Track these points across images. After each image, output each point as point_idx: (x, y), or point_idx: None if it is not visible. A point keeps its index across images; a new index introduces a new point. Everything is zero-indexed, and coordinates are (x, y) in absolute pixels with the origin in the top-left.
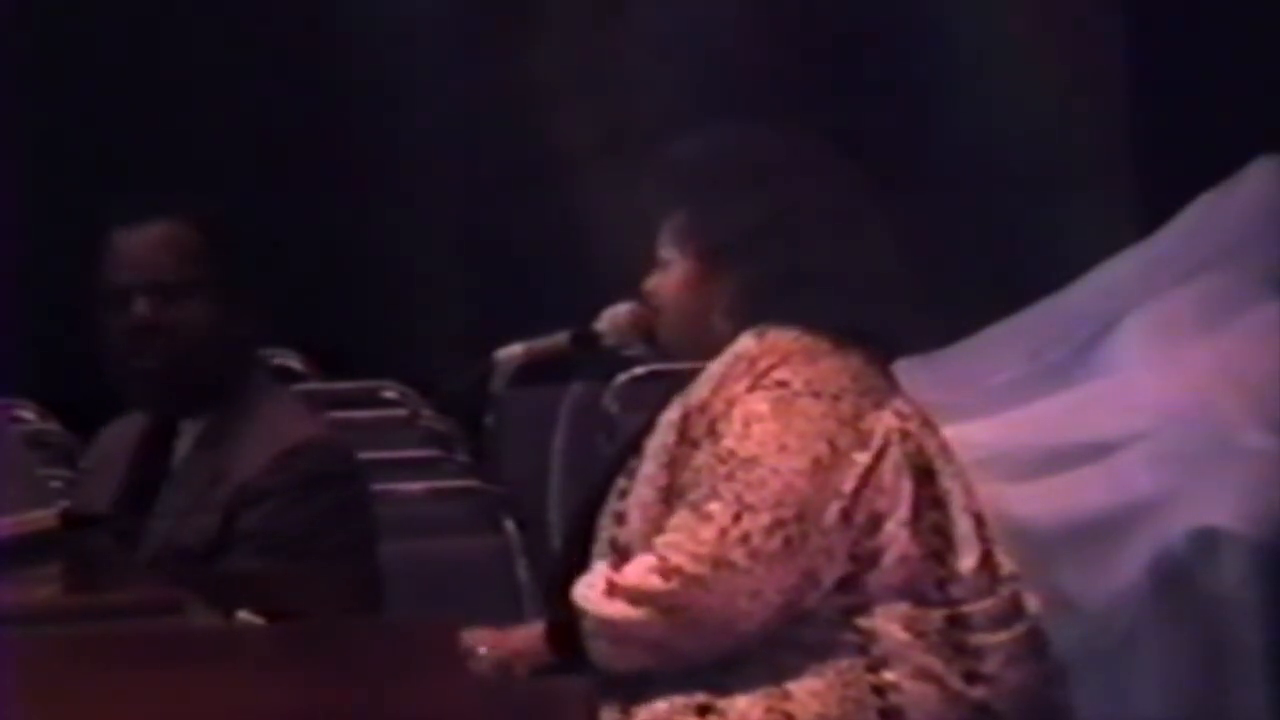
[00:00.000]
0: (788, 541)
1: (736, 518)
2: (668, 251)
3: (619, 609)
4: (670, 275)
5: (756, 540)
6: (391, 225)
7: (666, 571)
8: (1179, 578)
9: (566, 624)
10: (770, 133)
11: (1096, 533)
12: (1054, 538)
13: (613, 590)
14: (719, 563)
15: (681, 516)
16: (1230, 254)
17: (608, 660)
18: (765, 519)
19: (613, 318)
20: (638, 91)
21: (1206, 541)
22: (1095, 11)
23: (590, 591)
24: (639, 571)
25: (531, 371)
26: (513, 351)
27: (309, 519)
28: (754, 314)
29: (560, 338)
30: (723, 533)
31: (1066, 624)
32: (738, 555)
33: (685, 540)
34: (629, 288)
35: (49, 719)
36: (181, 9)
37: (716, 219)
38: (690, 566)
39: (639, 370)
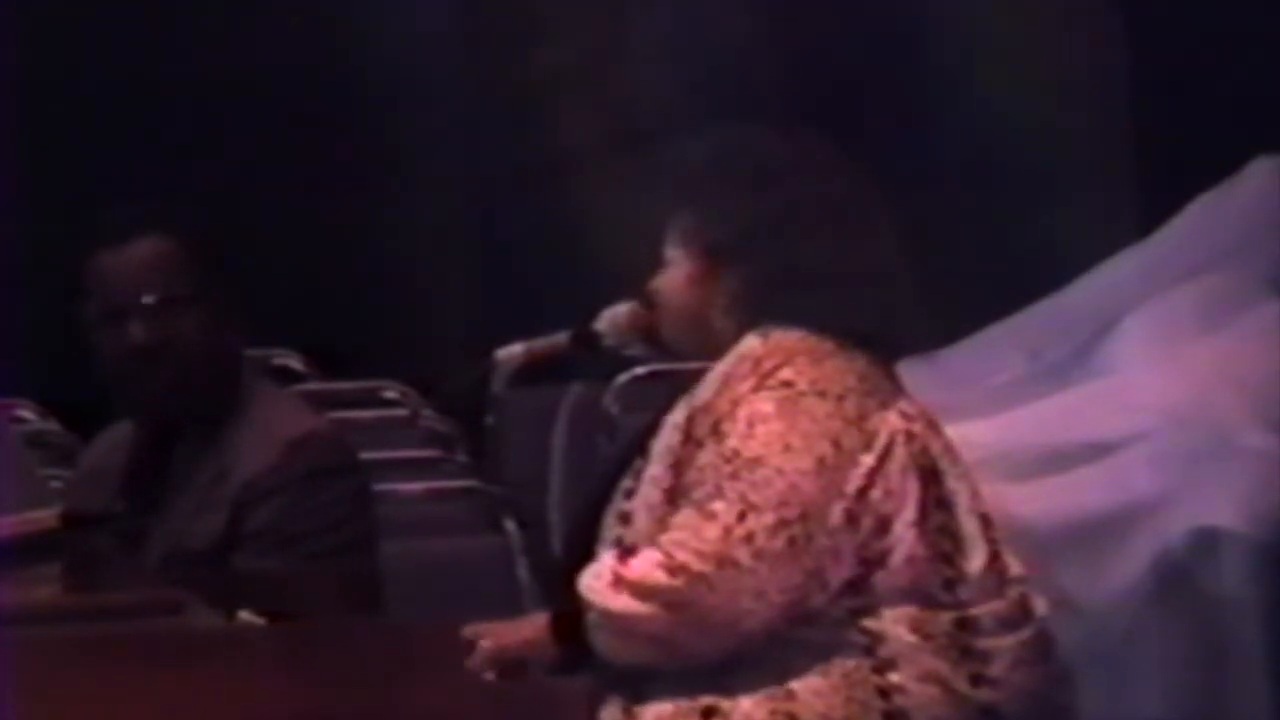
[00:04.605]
0: (792, 541)
1: (741, 517)
2: (672, 251)
3: (625, 602)
4: (673, 273)
5: (761, 540)
6: (392, 225)
7: (672, 568)
8: (1179, 578)
9: (572, 615)
10: (775, 134)
11: (1097, 533)
12: (1054, 538)
13: (619, 583)
14: (724, 561)
15: (686, 515)
16: (1230, 254)
17: (612, 652)
18: (769, 519)
19: (613, 318)
20: (638, 92)
21: (1206, 541)
22: (1095, 11)
23: (596, 583)
24: (645, 566)
25: (531, 371)
26: (513, 351)
27: (317, 513)
28: (754, 313)
29: (560, 338)
30: (727, 531)
31: (1066, 624)
32: (742, 554)
33: (690, 538)
34: (629, 288)
35: (49, 719)
36: (182, 10)
37: (721, 219)
38: (696, 564)
39: (639, 370)
